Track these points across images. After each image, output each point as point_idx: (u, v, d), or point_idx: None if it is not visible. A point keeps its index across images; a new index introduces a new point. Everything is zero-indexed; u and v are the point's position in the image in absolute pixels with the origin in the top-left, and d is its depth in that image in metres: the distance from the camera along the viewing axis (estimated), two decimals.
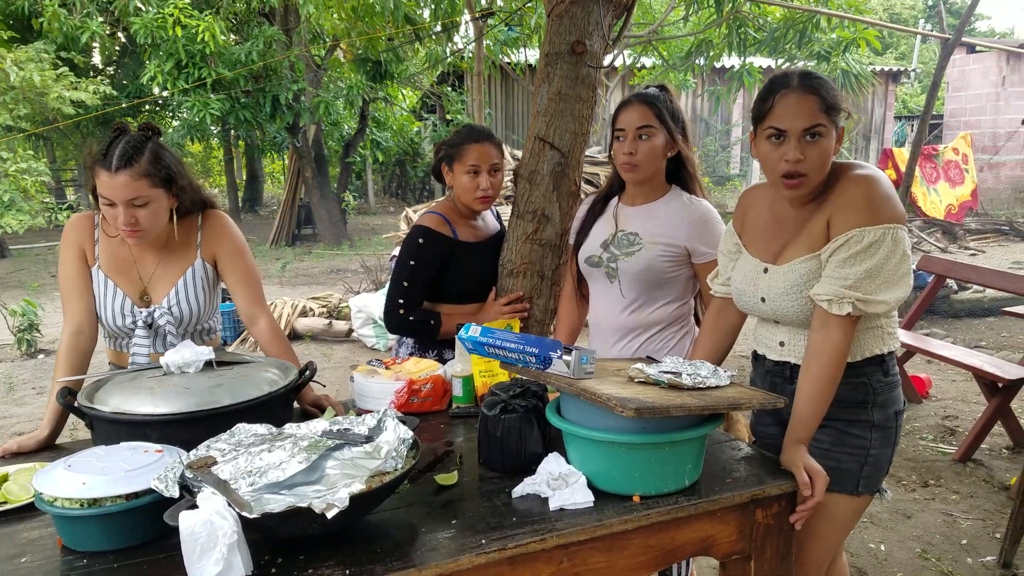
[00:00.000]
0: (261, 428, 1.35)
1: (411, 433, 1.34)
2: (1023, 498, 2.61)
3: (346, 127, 13.34)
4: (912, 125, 16.83)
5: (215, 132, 13.09)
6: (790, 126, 1.49)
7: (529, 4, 6.97)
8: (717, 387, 1.44)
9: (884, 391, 1.60)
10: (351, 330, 6.19)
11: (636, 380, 1.45)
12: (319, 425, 1.37)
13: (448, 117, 13.03)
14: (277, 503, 1.12)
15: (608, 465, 1.38)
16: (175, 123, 12.91)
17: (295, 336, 6.27)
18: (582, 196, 2.44)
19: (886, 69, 15.74)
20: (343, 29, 9.08)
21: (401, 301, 2.19)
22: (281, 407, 1.60)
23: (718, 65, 9.39)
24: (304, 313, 6.42)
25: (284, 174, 14.91)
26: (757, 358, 1.76)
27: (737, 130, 15.39)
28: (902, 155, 10.48)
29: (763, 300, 1.63)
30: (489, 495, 1.42)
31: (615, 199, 2.16)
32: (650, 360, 1.66)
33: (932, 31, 6.47)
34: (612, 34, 2.49)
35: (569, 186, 2.38)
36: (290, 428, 1.35)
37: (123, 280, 1.87)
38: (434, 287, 2.24)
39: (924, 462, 3.60)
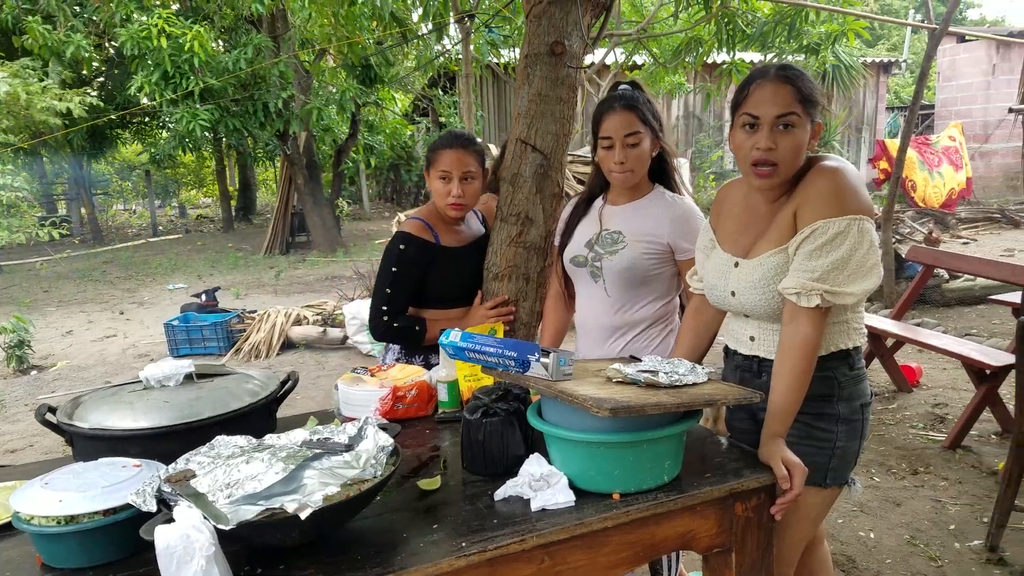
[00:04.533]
0: (241, 440, 1.35)
1: (391, 440, 1.35)
2: (1008, 482, 2.63)
3: (340, 132, 13.35)
4: (904, 116, 16.87)
5: (207, 141, 13.06)
6: (763, 113, 1.50)
7: (510, 4, 6.96)
8: (694, 384, 1.45)
9: (850, 384, 1.61)
10: (346, 337, 6.19)
11: (614, 380, 1.46)
12: (299, 435, 1.37)
13: (441, 120, 13.02)
14: (254, 511, 1.12)
15: (588, 465, 1.39)
16: (165, 134, 12.88)
17: (289, 345, 6.26)
18: (569, 195, 2.45)
19: (877, 60, 15.77)
20: (325, 35, 9.08)
21: (385, 308, 2.19)
22: (262, 418, 1.61)
23: (709, 61, 9.40)
24: (298, 321, 6.42)
25: (276, 182, 14.91)
26: (728, 353, 1.77)
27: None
28: (895, 146, 10.50)
29: (733, 294, 1.64)
30: (472, 499, 1.43)
31: (599, 199, 2.17)
32: (632, 360, 1.67)
33: (921, 22, 6.48)
34: (591, 34, 2.50)
35: (552, 188, 2.38)
36: (270, 439, 1.36)
37: None
38: (419, 292, 2.24)
39: (914, 450, 3.62)
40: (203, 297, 7.02)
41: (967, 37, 13.54)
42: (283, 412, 1.86)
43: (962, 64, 13.92)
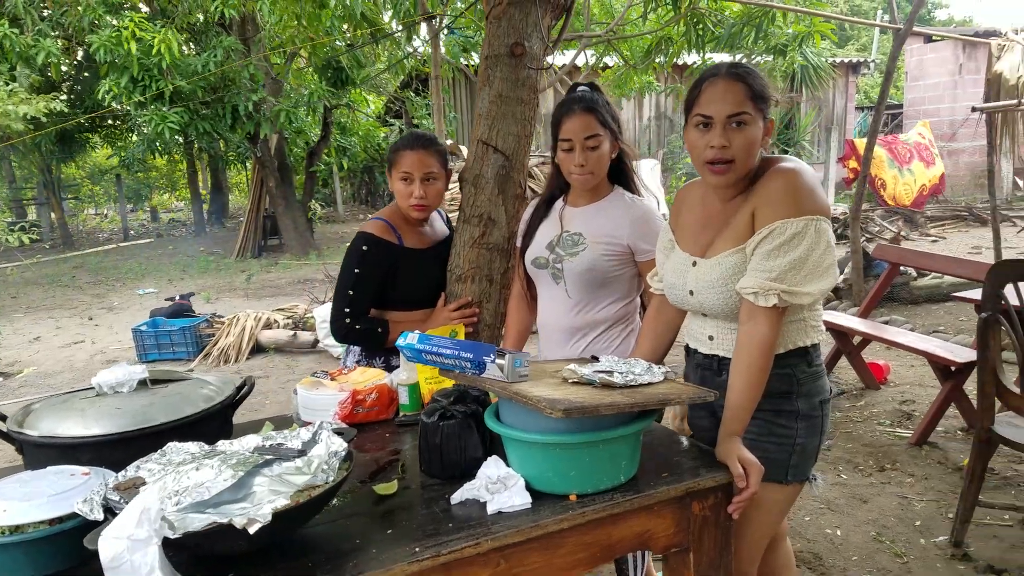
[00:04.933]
0: (193, 446, 1.33)
1: (344, 445, 1.33)
2: (972, 478, 2.67)
3: (311, 134, 13.26)
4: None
5: (177, 144, 12.89)
6: (716, 112, 1.51)
7: (474, 6, 6.96)
8: (649, 384, 1.45)
9: (808, 381, 1.63)
10: (316, 341, 6.13)
11: (570, 381, 1.46)
12: (251, 441, 1.35)
13: (414, 122, 12.97)
14: (201, 521, 1.11)
15: (544, 466, 1.39)
16: (135, 138, 12.67)
17: (259, 349, 6.20)
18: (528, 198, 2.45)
19: (846, 60, 15.97)
20: (290, 37, 9.01)
21: (347, 309, 2.17)
22: (218, 423, 1.58)
23: (679, 62, 9.47)
24: (268, 325, 6.35)
25: (249, 185, 14.76)
26: (689, 351, 1.78)
27: None
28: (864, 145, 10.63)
29: (691, 293, 1.65)
30: (429, 502, 1.42)
31: (559, 200, 2.18)
32: (592, 359, 1.67)
33: (889, 23, 6.58)
34: (552, 35, 2.50)
35: (514, 189, 2.38)
36: (222, 445, 1.34)
37: None
38: (381, 294, 2.23)
39: (881, 447, 3.67)
40: (177, 297, 7.01)
41: (934, 37, 13.77)
42: (250, 417, 1.84)
43: (929, 64, 14.17)
